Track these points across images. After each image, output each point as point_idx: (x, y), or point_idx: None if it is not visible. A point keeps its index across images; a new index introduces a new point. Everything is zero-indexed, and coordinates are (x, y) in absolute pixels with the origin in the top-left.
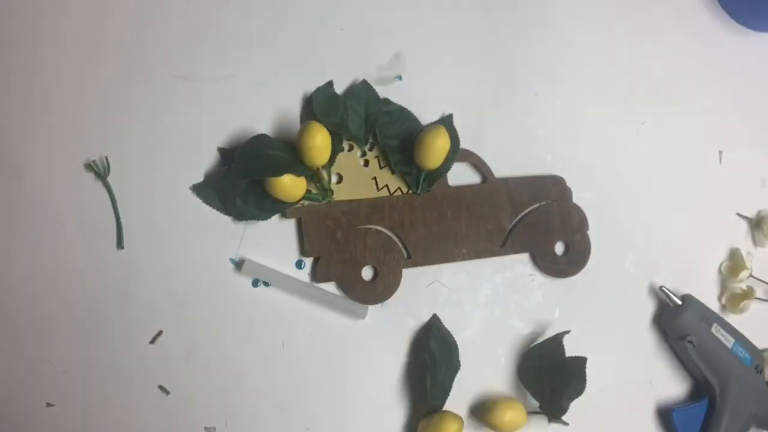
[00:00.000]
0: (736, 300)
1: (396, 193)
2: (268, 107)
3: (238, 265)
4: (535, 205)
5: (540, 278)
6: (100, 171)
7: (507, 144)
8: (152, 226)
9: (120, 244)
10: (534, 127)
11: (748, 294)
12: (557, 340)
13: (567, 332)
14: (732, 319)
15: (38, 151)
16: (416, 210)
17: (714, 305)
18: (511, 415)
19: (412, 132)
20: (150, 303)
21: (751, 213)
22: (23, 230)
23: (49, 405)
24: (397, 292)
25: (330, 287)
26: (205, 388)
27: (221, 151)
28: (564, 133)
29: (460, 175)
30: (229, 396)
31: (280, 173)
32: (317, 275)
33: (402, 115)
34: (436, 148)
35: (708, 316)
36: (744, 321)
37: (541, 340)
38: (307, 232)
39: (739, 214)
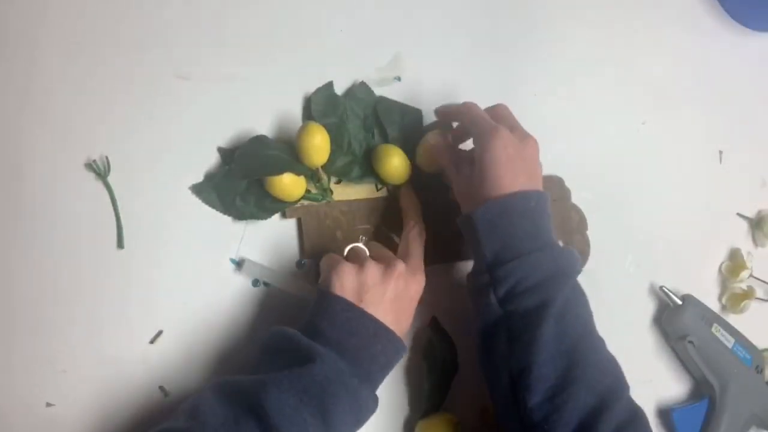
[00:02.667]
0: (736, 300)
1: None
2: (268, 107)
3: (238, 265)
4: None
5: None
6: (100, 171)
7: None
8: (152, 226)
9: (120, 244)
10: (534, 127)
11: (748, 294)
12: None
13: None
14: (732, 319)
15: (38, 151)
16: None
17: (714, 305)
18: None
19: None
20: (150, 303)
21: (751, 213)
22: (23, 230)
23: (49, 405)
24: None
25: None
26: None
27: (221, 151)
28: (564, 133)
29: None
30: None
31: (280, 172)
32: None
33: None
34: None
35: (708, 316)
36: (744, 321)
37: None
38: (307, 232)
39: (739, 214)
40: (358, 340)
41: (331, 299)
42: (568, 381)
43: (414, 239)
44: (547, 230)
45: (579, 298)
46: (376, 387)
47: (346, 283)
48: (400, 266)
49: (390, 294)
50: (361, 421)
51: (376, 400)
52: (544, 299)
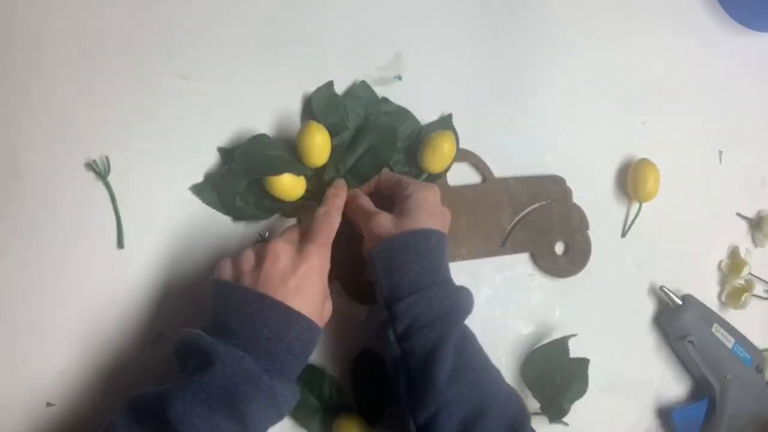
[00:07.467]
0: (736, 294)
1: None
2: (268, 107)
3: None
4: (535, 205)
5: (540, 278)
6: (100, 171)
7: (507, 144)
8: (152, 226)
9: (120, 244)
10: (534, 127)
11: (747, 288)
12: (562, 343)
13: (574, 335)
14: (732, 317)
15: (38, 151)
16: None
17: (714, 305)
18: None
19: (412, 132)
20: (150, 303)
21: (751, 213)
22: (23, 230)
23: (49, 405)
24: None
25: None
26: None
27: (221, 151)
28: (564, 133)
29: (460, 175)
30: None
31: (280, 172)
32: None
33: (401, 115)
34: (443, 153)
35: (708, 316)
36: (744, 321)
37: (541, 340)
38: None
39: (739, 214)
40: (269, 331)
41: (236, 290)
42: (478, 415)
43: (317, 218)
44: (445, 269)
45: (471, 334)
46: (293, 376)
47: (244, 267)
48: (291, 245)
49: (293, 276)
50: (282, 413)
51: (294, 390)
52: (441, 334)
